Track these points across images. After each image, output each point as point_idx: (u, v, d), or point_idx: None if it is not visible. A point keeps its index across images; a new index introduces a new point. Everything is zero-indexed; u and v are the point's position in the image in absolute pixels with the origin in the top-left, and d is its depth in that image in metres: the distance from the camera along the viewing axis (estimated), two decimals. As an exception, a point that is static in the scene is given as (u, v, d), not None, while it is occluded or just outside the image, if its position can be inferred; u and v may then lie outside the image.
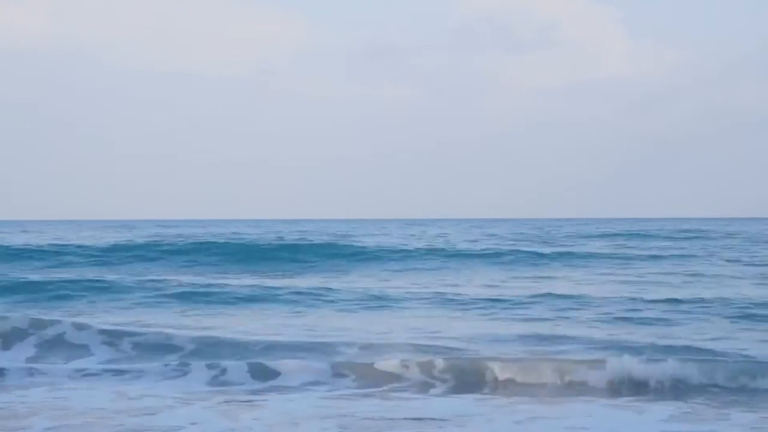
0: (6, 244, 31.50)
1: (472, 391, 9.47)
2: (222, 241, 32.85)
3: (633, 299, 16.61)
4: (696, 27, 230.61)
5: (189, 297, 17.46)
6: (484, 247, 33.97)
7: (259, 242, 32.89)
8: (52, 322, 12.49)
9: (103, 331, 12.11)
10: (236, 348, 11.39)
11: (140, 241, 34.09)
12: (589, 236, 46.56)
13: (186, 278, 21.06)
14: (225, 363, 10.33)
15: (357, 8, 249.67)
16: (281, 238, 37.24)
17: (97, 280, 19.70)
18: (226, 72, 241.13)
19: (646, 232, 48.45)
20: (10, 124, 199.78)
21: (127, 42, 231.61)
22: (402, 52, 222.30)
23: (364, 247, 30.83)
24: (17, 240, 37.83)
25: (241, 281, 20.37)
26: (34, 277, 20.74)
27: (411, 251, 29.98)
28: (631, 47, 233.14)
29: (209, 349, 11.40)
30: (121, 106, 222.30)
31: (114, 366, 10.76)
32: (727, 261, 27.46)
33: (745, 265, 25.86)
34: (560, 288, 18.77)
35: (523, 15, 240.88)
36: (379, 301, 16.86)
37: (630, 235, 46.01)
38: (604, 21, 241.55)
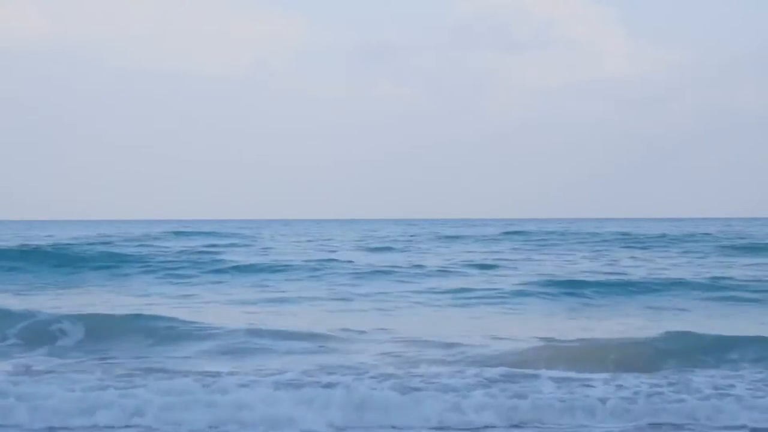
0: None
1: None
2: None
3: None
4: (696, 27, 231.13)
5: None
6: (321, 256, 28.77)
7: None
8: None
9: None
10: None
11: None
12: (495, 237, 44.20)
13: None
14: None
15: (356, 8, 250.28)
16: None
17: None
18: (225, 72, 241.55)
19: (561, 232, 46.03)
20: (10, 124, 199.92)
21: (127, 42, 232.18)
22: (401, 51, 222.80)
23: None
24: None
25: None
26: None
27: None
28: (630, 47, 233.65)
29: None
30: (121, 106, 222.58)
31: None
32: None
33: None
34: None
35: (521, 15, 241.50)
36: None
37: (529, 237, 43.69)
38: (603, 21, 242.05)
